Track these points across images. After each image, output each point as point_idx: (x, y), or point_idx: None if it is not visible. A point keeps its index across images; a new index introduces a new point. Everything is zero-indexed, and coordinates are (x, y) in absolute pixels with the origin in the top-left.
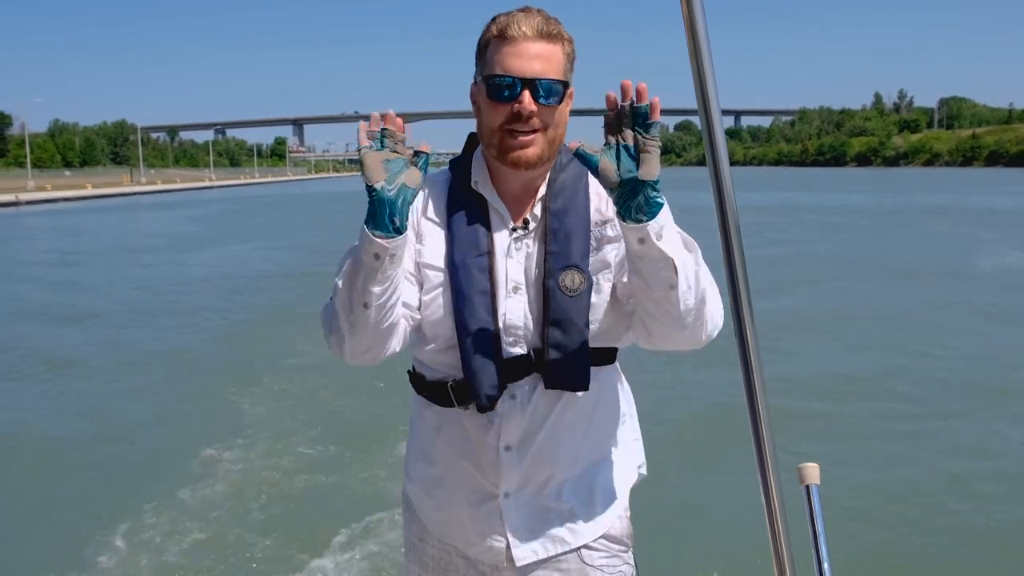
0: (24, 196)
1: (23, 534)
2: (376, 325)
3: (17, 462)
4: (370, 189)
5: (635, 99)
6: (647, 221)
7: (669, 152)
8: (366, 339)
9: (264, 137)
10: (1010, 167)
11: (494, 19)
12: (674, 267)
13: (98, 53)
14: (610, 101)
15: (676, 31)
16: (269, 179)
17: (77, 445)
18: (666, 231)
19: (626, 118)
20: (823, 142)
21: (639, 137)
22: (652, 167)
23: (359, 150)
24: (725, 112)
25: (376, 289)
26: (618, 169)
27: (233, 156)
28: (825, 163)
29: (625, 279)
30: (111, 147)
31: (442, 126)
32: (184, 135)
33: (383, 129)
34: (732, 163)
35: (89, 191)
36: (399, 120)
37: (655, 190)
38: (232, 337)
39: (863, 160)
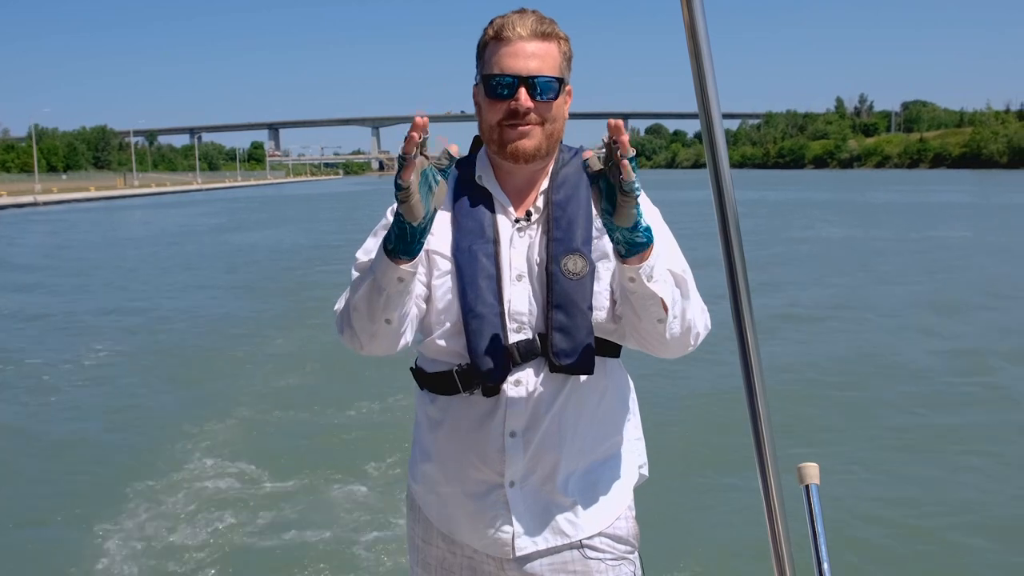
0: (40, 198)
1: (8, 535)
2: (396, 331)
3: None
4: (402, 220)
5: (620, 149)
6: (625, 258)
7: (639, 155)
8: (387, 342)
9: (240, 141)
10: (952, 168)
11: (491, 22)
12: (663, 305)
13: (72, 59)
14: (611, 128)
15: (676, 31)
16: (252, 182)
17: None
18: (656, 271)
19: (612, 163)
20: (783, 145)
21: (617, 191)
22: (624, 218)
23: (402, 159)
24: (694, 116)
25: (399, 308)
26: (601, 201)
27: (212, 160)
28: (785, 165)
29: (618, 295)
30: (92, 152)
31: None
32: (161, 139)
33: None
34: (695, 166)
35: (94, 193)
36: (425, 120)
37: (634, 232)
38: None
39: (820, 162)
